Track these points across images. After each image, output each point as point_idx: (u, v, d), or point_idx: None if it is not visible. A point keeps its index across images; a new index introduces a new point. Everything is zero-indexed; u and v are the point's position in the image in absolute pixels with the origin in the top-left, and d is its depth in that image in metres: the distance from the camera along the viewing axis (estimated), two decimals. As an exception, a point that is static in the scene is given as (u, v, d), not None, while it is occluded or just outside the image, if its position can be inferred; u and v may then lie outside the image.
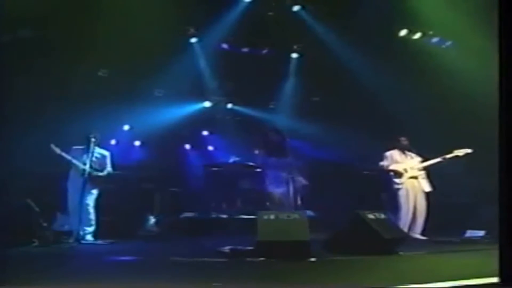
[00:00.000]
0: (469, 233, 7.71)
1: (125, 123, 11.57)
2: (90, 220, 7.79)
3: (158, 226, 9.10)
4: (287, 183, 8.80)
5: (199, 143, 13.09)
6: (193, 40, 10.85)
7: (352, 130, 10.22)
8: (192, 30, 10.66)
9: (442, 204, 8.61)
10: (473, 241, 7.30)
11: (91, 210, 7.82)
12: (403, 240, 6.54)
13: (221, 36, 10.56)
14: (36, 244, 6.84)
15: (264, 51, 11.32)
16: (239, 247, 6.13)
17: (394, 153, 8.49)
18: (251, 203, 9.70)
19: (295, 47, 11.42)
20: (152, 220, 9.11)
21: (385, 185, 8.59)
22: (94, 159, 7.83)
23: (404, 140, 8.52)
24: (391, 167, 8.39)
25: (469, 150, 8.01)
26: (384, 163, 8.49)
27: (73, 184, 7.78)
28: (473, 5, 7.95)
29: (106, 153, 8.21)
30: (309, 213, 7.66)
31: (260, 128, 11.35)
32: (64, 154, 7.72)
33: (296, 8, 10.04)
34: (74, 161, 7.79)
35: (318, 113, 11.24)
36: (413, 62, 9.82)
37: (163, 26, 9.19)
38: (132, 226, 8.83)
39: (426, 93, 9.85)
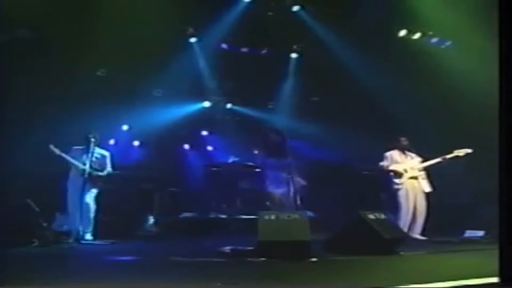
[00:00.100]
0: (468, 233, 7.72)
1: (124, 123, 11.56)
2: (90, 220, 7.79)
3: (158, 226, 9.11)
4: (287, 184, 8.81)
5: (198, 143, 13.08)
6: (193, 40, 10.84)
7: (352, 130, 10.23)
8: (191, 30, 10.65)
9: (442, 204, 8.61)
10: (472, 241, 7.31)
11: (91, 210, 7.82)
12: (404, 240, 6.54)
13: (221, 36, 10.55)
14: (36, 244, 6.83)
15: (264, 51, 11.31)
16: (240, 247, 6.14)
17: (394, 153, 8.49)
18: (251, 203, 9.71)
19: (294, 47, 11.42)
20: (151, 220, 9.11)
21: (385, 186, 8.59)
22: (94, 159, 7.83)
23: (404, 140, 8.51)
24: (391, 167, 8.39)
25: (469, 150, 8.01)
26: (384, 163, 8.49)
27: (73, 184, 7.78)
28: (473, 5, 7.97)
29: (106, 153, 8.21)
30: (309, 213, 7.64)
31: (260, 128, 11.38)
32: (64, 155, 7.72)
33: (295, 8, 10.03)
34: (74, 161, 7.79)
35: (318, 113, 11.25)
36: (413, 62, 9.83)
37: (162, 26, 9.17)
38: (132, 226, 8.83)
39: (426, 93, 9.86)
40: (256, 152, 10.68)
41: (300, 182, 9.37)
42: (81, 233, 7.46)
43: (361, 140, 10.09)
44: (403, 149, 8.50)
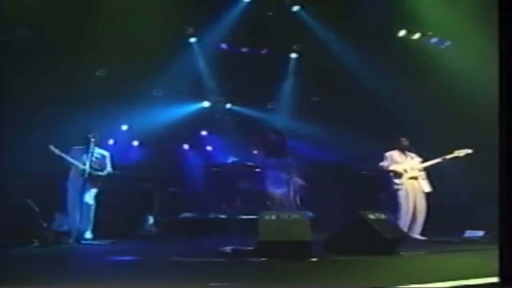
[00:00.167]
0: (468, 233, 7.72)
1: (124, 123, 11.55)
2: (90, 220, 7.79)
3: (158, 226, 9.10)
4: (287, 184, 8.80)
5: (198, 143, 13.09)
6: (192, 40, 10.84)
7: (352, 130, 10.22)
8: (191, 30, 10.65)
9: (442, 204, 8.62)
10: (472, 241, 7.31)
11: (91, 210, 7.82)
12: (404, 240, 6.55)
13: (220, 36, 10.54)
14: (36, 244, 6.82)
15: (263, 51, 11.31)
16: (240, 247, 6.14)
17: (394, 154, 8.49)
18: (251, 203, 9.71)
19: (294, 47, 11.43)
20: (151, 220, 9.11)
21: (385, 186, 8.59)
22: (94, 159, 7.83)
23: (404, 141, 8.51)
24: (391, 168, 8.39)
25: (469, 151, 8.01)
26: (384, 163, 8.49)
27: (73, 184, 7.78)
28: (473, 5, 7.96)
29: (106, 153, 8.21)
30: (309, 213, 7.64)
31: (259, 128, 11.38)
32: (64, 155, 7.73)
33: (295, 8, 10.04)
34: (74, 161, 7.79)
35: (318, 113, 11.24)
36: (412, 62, 9.82)
37: (162, 26, 9.18)
38: (132, 226, 8.83)
39: (426, 93, 9.86)
40: (255, 152, 10.68)
41: (300, 182, 9.36)
42: (81, 233, 7.47)
43: (361, 140, 10.09)
44: (403, 149, 8.50)
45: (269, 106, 12.65)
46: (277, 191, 9.01)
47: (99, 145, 8.03)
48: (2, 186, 7.40)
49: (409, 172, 8.31)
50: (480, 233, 7.55)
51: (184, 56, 10.72)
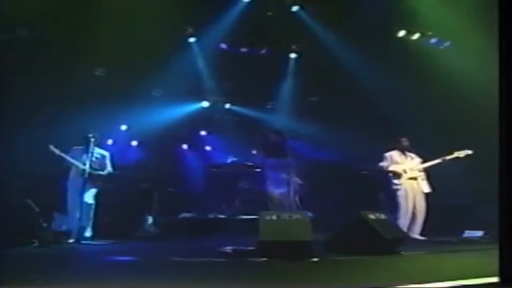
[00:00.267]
0: (467, 233, 7.73)
1: (123, 123, 11.54)
2: (89, 220, 7.79)
3: (157, 226, 9.10)
4: (287, 184, 8.80)
5: (197, 143, 13.09)
6: (192, 39, 10.84)
7: (351, 130, 10.23)
8: (190, 30, 10.65)
9: (442, 205, 8.62)
10: (472, 241, 7.31)
11: (91, 210, 7.82)
12: (404, 240, 6.55)
13: (220, 36, 10.54)
14: (36, 244, 6.82)
15: (263, 51, 11.31)
16: (241, 247, 6.14)
17: (394, 154, 8.49)
18: (251, 204, 9.71)
19: (293, 47, 11.43)
20: (150, 220, 9.11)
21: (385, 186, 8.59)
22: (94, 159, 7.83)
23: (404, 141, 8.51)
24: (391, 168, 8.39)
25: (469, 152, 8.01)
26: (383, 163, 8.49)
27: (73, 184, 7.79)
28: (473, 5, 7.96)
29: (106, 153, 8.22)
30: (309, 213, 7.63)
31: (259, 128, 11.38)
32: (64, 155, 7.73)
33: (295, 8, 10.04)
34: (74, 161, 7.79)
35: (317, 113, 11.25)
36: (412, 62, 9.82)
37: (161, 26, 9.18)
38: (131, 226, 8.83)
39: (425, 94, 9.86)
40: (255, 152, 10.67)
41: (300, 182, 9.36)
42: (81, 233, 7.46)
43: (361, 140, 10.09)
44: (403, 150, 8.50)
45: (269, 106, 12.65)
46: (277, 191, 9.00)
47: (99, 145, 8.04)
48: (2, 186, 7.38)
49: (409, 172, 8.31)
50: (480, 233, 7.55)
51: (183, 56, 10.72)
